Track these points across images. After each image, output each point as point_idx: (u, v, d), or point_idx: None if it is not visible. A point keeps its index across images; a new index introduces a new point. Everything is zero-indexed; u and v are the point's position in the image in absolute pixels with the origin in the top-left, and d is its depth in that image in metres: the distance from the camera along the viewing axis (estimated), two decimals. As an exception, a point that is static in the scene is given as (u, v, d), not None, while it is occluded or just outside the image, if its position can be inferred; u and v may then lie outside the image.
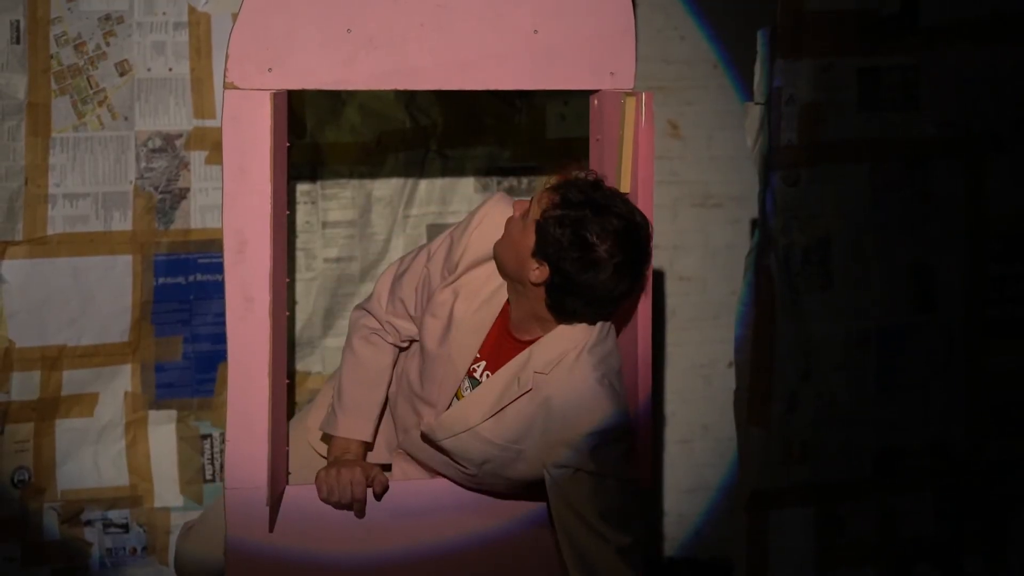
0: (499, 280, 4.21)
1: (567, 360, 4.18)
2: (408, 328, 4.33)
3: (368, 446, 4.37)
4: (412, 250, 4.43)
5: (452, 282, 4.23)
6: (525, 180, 5.17)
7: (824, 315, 4.73)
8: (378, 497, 4.30)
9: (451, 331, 4.23)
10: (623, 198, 4.15)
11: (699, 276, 5.70)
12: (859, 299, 4.76)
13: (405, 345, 4.38)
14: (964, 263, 4.86)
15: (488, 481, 4.30)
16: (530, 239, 4.09)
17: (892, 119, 4.73)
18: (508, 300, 4.21)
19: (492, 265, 4.22)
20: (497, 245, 4.18)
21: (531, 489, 4.29)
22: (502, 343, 4.24)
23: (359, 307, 4.37)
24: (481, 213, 4.26)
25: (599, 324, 4.20)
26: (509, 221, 4.17)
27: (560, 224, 4.05)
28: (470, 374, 4.26)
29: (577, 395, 4.17)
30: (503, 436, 4.22)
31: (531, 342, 4.20)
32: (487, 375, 4.26)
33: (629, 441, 4.21)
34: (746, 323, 4.65)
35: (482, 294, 4.23)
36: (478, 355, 4.25)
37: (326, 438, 4.40)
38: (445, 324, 4.24)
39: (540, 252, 4.09)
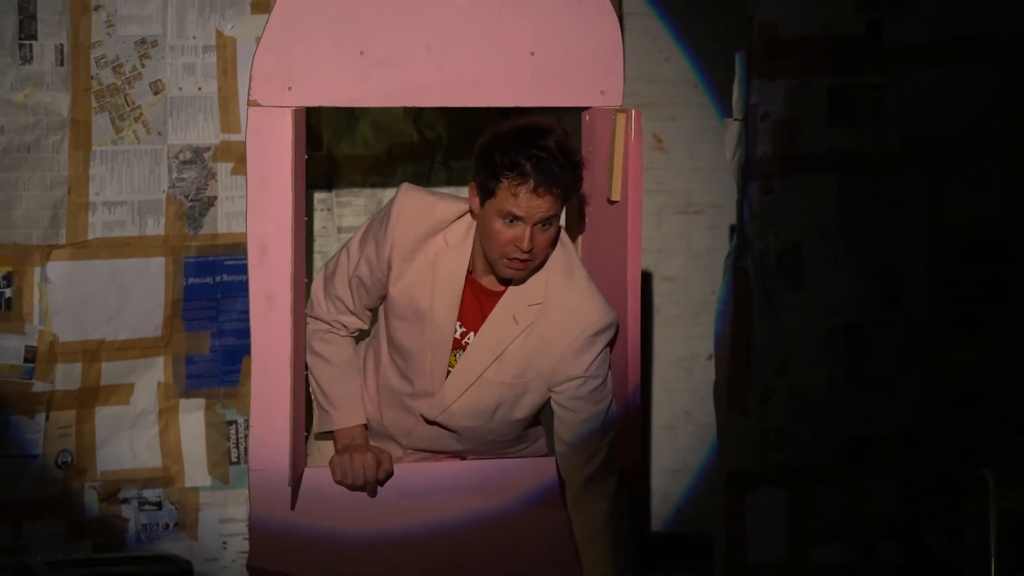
0: (443, 257, 4.18)
1: (553, 285, 4.17)
2: (352, 322, 4.30)
3: (367, 427, 4.33)
4: (333, 256, 4.40)
5: (398, 281, 4.20)
6: (523, 189, 5.15)
7: (797, 313, 4.74)
8: (385, 479, 4.27)
9: (424, 321, 4.19)
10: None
11: (682, 277, 5.71)
12: (829, 298, 4.77)
13: (356, 335, 4.35)
14: (926, 265, 4.87)
15: (501, 433, 4.26)
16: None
17: (859, 134, 4.74)
18: (469, 270, 4.19)
19: (429, 248, 4.19)
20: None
21: (529, 424, 4.32)
22: (479, 303, 4.21)
23: (308, 315, 4.35)
24: (396, 207, 4.21)
25: (558, 245, 4.20)
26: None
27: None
28: (457, 346, 4.22)
29: (568, 309, 4.17)
30: (509, 373, 4.19)
31: (505, 288, 4.20)
32: (472, 335, 4.22)
33: (617, 330, 4.25)
34: (725, 320, 4.66)
35: (437, 276, 4.19)
36: (459, 326, 4.19)
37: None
38: (414, 319, 4.20)
39: (473, 180, 4.16)
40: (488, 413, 4.22)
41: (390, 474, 4.26)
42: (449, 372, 4.23)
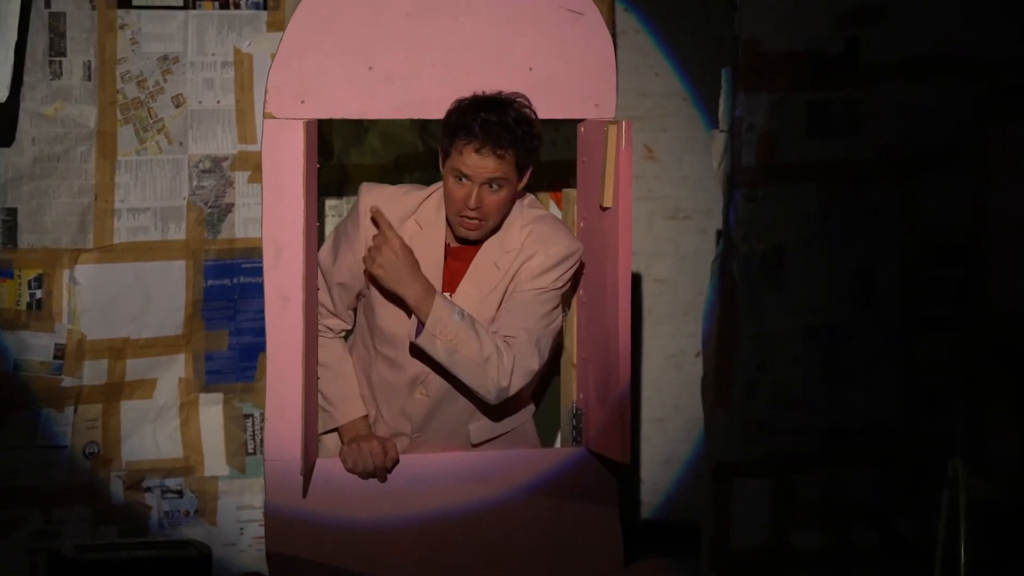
0: (418, 240, 4.20)
1: (531, 233, 4.22)
2: (336, 323, 4.35)
3: (366, 417, 4.36)
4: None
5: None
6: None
7: (778, 313, 4.71)
8: (393, 465, 4.30)
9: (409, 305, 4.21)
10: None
11: (671, 279, 5.68)
12: (809, 299, 4.75)
13: (342, 335, 4.38)
14: (899, 268, 4.84)
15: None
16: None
17: (837, 145, 4.73)
18: (447, 243, 4.23)
19: (404, 233, 4.19)
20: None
21: None
22: (458, 265, 4.24)
23: None
24: (361, 207, 4.25)
25: (529, 206, 4.28)
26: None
27: None
28: None
29: (539, 243, 4.23)
30: (492, 310, 4.23)
31: (479, 243, 4.23)
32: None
33: (578, 261, 4.31)
34: (712, 319, 4.64)
35: (416, 250, 4.20)
36: (449, 296, 4.21)
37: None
38: (398, 299, 4.20)
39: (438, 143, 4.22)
40: (477, 344, 4.20)
41: (397, 460, 4.28)
42: None
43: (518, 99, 4.18)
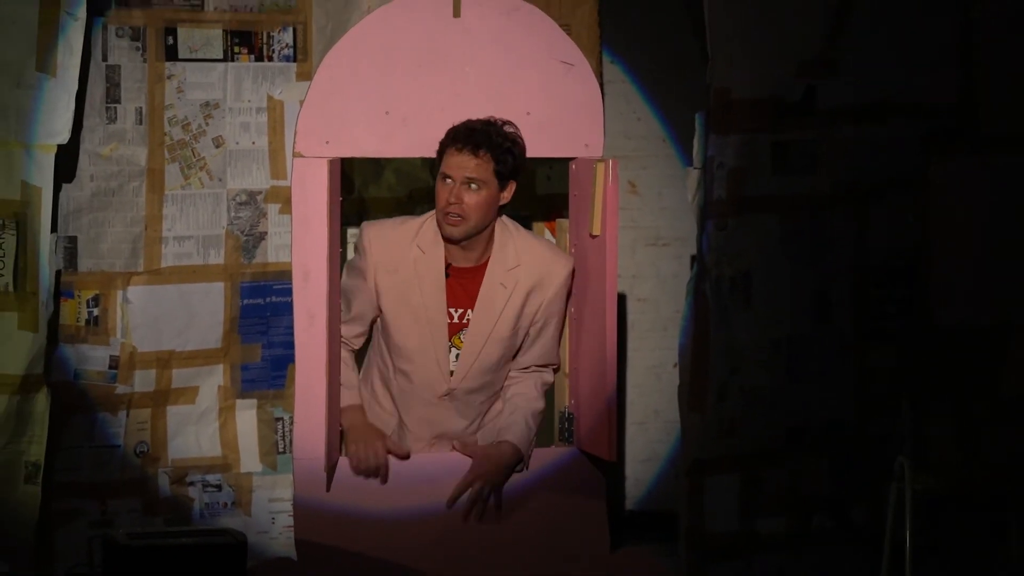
0: (421, 263, 4.21)
1: (519, 248, 4.23)
2: (349, 331, 4.38)
3: (362, 408, 4.37)
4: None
5: (389, 290, 4.24)
6: (521, 226, 5.17)
7: (747, 327, 4.72)
8: (399, 454, 4.31)
9: (419, 313, 4.25)
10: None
11: (652, 298, 5.68)
12: (773, 315, 4.75)
13: (357, 345, 4.43)
14: (852, 288, 4.84)
15: (496, 383, 4.35)
16: None
17: (797, 180, 4.74)
18: (448, 262, 4.24)
19: (408, 257, 4.22)
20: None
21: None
22: (463, 286, 4.26)
23: None
24: (366, 238, 4.28)
25: (503, 222, 4.27)
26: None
27: None
28: (455, 330, 4.27)
29: (540, 263, 4.25)
30: (508, 327, 4.27)
31: (483, 264, 4.25)
32: (470, 312, 4.27)
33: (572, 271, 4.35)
34: (687, 334, 4.64)
35: (421, 275, 4.23)
36: (454, 312, 4.25)
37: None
38: (409, 314, 4.24)
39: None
40: (495, 366, 4.28)
41: (405, 455, 4.28)
42: (455, 352, 4.26)
43: (505, 121, 4.20)
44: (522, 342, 4.37)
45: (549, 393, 4.57)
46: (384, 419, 4.41)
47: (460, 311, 4.30)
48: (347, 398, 4.36)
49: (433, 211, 4.28)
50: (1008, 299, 4.88)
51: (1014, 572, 4.64)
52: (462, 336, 4.30)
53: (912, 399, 4.80)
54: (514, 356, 4.39)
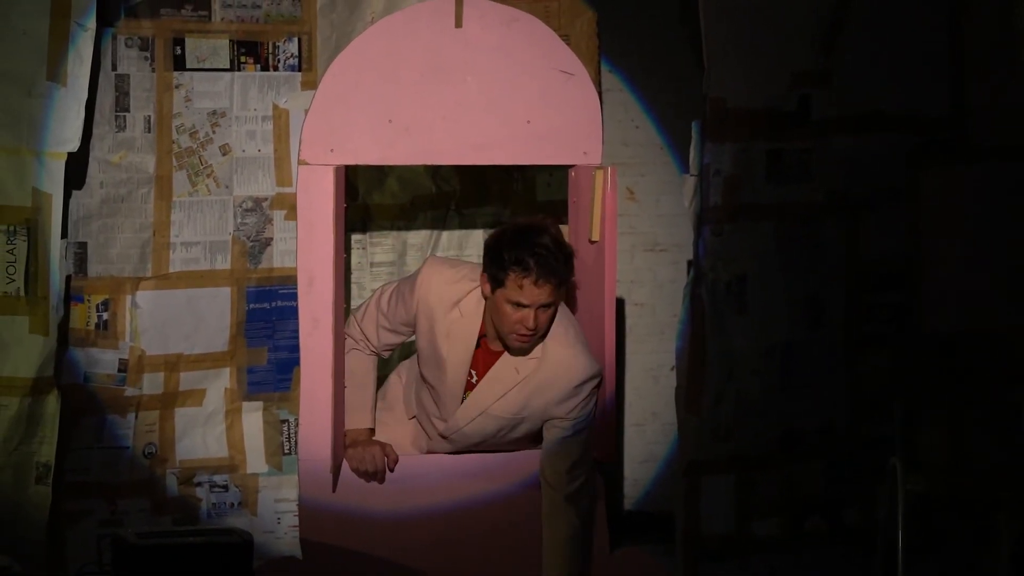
0: (458, 326, 4.21)
1: (550, 345, 4.20)
2: (373, 343, 4.39)
3: (372, 430, 4.40)
4: (372, 295, 4.46)
5: (424, 335, 4.25)
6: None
7: (742, 332, 4.73)
8: (392, 465, 4.33)
9: (444, 368, 4.26)
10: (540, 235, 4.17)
11: (650, 303, 5.67)
12: (767, 320, 4.76)
13: (386, 355, 4.45)
14: (844, 294, 4.86)
15: (501, 446, 4.34)
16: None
17: (791, 188, 4.75)
18: (483, 327, 4.23)
19: (448, 317, 4.22)
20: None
21: (528, 442, 4.35)
22: (486, 358, 4.27)
23: (345, 331, 4.41)
24: (422, 277, 4.27)
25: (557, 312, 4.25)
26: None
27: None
28: (470, 388, 4.28)
29: (560, 362, 4.20)
30: (509, 411, 4.26)
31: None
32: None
33: (601, 380, 4.26)
34: (684, 338, 4.65)
35: (453, 337, 4.24)
36: (474, 374, 4.27)
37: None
38: (436, 365, 4.27)
39: (484, 270, 4.17)
40: (491, 434, 4.31)
41: (395, 461, 4.30)
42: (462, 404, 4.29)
43: (547, 226, 4.16)
44: (540, 433, 4.33)
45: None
46: (409, 400, 4.47)
47: (479, 377, 4.33)
48: (356, 421, 4.38)
49: (475, 285, 4.25)
50: (998, 305, 4.89)
51: (1004, 573, 4.64)
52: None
53: (904, 402, 4.80)
54: (532, 438, 4.37)
